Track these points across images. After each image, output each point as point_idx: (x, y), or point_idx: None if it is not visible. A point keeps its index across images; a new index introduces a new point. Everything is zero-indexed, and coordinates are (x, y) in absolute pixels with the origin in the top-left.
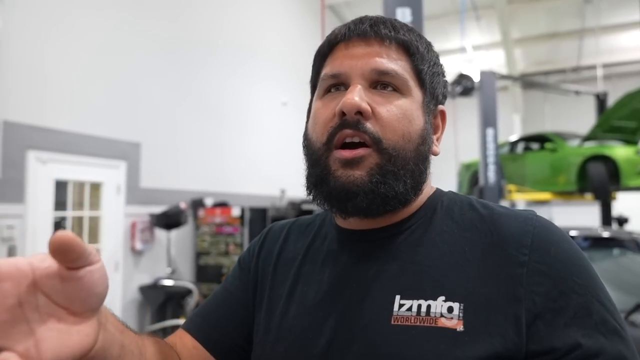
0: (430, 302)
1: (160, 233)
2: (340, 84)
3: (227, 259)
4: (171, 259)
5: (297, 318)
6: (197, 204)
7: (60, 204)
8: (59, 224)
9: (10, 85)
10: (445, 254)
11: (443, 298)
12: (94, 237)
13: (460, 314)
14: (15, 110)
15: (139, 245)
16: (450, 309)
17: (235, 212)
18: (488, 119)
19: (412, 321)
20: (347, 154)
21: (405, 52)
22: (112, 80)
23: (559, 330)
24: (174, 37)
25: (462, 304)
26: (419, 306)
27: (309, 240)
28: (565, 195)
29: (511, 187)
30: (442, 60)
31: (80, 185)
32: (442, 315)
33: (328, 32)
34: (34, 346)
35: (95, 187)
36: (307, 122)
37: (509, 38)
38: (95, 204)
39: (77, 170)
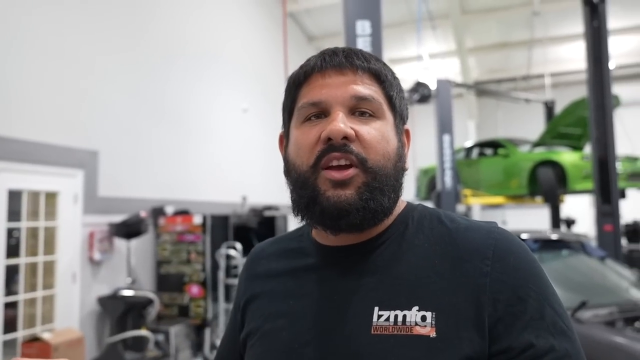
0: (406, 312)
1: (120, 242)
2: (320, 112)
3: (189, 267)
4: (131, 269)
5: (285, 330)
6: (158, 212)
7: (14, 214)
8: (11, 235)
9: None
10: (417, 267)
11: (417, 308)
12: (49, 247)
13: (433, 322)
14: None
15: (97, 256)
16: (423, 318)
17: (197, 219)
18: (444, 126)
19: (390, 330)
20: (337, 175)
21: (377, 80)
22: (69, 87)
23: (516, 332)
24: (134, 44)
25: (434, 313)
26: (396, 316)
27: (290, 257)
28: (517, 199)
29: (467, 191)
30: (400, 68)
31: (34, 195)
32: (416, 324)
33: (290, 39)
34: None
35: (51, 197)
36: (285, 149)
37: (463, 47)
38: (51, 213)
39: (32, 179)
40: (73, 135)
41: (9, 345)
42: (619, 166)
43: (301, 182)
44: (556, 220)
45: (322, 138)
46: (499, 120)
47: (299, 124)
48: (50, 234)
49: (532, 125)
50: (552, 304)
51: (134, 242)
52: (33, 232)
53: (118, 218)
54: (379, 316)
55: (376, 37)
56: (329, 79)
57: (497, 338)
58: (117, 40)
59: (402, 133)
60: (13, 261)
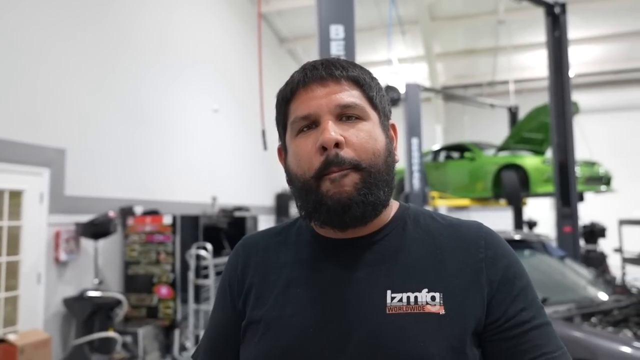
0: (417, 293)
1: (87, 243)
2: (311, 123)
3: (158, 267)
4: (98, 270)
5: (296, 317)
6: (126, 212)
7: None
8: None
9: None
10: (421, 256)
11: (426, 290)
12: (13, 248)
13: (441, 301)
14: None
15: (63, 256)
16: (433, 298)
17: (167, 220)
18: (413, 129)
19: (404, 310)
20: (335, 174)
21: (356, 85)
22: (35, 82)
23: (506, 306)
24: (102, 41)
25: (441, 293)
26: (408, 297)
27: (290, 248)
28: (482, 201)
29: (434, 193)
30: (370, 71)
31: None
32: (427, 303)
33: (262, 40)
34: None
35: (16, 196)
36: (285, 160)
37: (431, 52)
38: (15, 213)
39: None
40: (39, 132)
41: None
42: (578, 170)
43: (306, 189)
44: (519, 222)
45: (317, 147)
46: (465, 124)
47: (293, 137)
48: (14, 233)
49: (497, 130)
50: (530, 285)
51: (102, 243)
52: None
53: (85, 218)
54: (392, 298)
55: (349, 42)
56: (311, 93)
57: (491, 311)
58: (88, 37)
59: (389, 129)
60: None
